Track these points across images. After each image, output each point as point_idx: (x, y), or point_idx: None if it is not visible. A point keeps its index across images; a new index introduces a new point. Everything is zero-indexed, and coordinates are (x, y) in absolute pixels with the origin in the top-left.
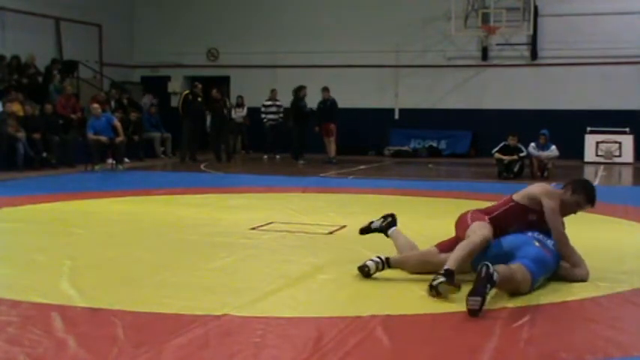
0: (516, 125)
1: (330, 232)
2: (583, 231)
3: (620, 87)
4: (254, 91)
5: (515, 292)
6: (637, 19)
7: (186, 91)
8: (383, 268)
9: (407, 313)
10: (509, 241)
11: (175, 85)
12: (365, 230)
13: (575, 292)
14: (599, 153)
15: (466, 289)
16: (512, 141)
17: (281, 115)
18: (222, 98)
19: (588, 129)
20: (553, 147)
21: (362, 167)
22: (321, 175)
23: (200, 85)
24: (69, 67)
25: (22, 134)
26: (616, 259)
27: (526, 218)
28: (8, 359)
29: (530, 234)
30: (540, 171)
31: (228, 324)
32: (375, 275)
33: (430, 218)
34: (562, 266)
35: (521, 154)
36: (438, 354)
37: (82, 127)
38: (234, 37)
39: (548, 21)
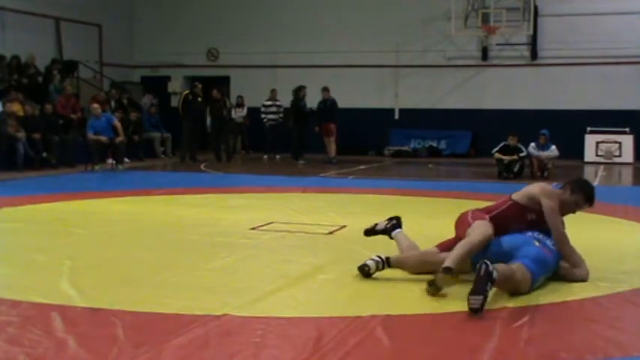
0: (516, 125)
1: (330, 232)
2: (583, 231)
3: (620, 87)
4: (254, 91)
5: (515, 292)
6: (637, 19)
7: (186, 91)
8: (383, 268)
9: (407, 313)
10: (509, 240)
11: (175, 85)
12: (369, 232)
13: (575, 292)
14: (599, 153)
15: (466, 288)
16: (512, 141)
17: (281, 115)
18: (222, 98)
19: (588, 129)
20: (553, 147)
21: (362, 167)
22: (321, 175)
23: (200, 85)
24: (69, 67)
25: (22, 134)
26: (616, 259)
27: (525, 218)
28: (8, 359)
29: (530, 234)
30: (540, 171)
31: (228, 324)
32: (375, 275)
33: (430, 218)
34: (562, 266)
35: (521, 154)
36: (438, 354)
37: (82, 127)
38: (234, 37)
39: (548, 21)
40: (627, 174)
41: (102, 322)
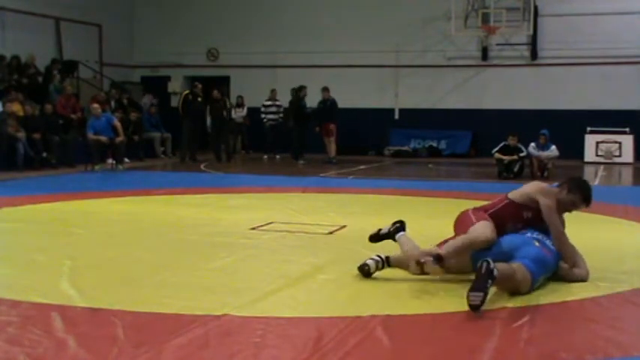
0: (516, 125)
1: (330, 232)
2: (583, 231)
3: (620, 87)
4: (254, 91)
5: (514, 292)
6: (637, 19)
7: (186, 91)
8: (383, 267)
9: (407, 313)
10: (508, 241)
11: (175, 85)
12: (374, 237)
13: (575, 292)
14: (599, 153)
15: (466, 288)
16: (512, 141)
17: (281, 115)
18: (222, 98)
19: (588, 129)
20: (553, 147)
21: (362, 167)
22: (321, 175)
23: (200, 85)
24: (69, 67)
25: (22, 134)
26: (616, 259)
27: (521, 216)
28: (8, 359)
29: (529, 234)
30: (540, 171)
31: (228, 324)
32: (375, 275)
33: (430, 218)
34: (561, 267)
35: (521, 154)
36: (438, 354)
37: (82, 127)
38: (234, 37)
39: (548, 21)
40: (627, 174)
41: (102, 322)
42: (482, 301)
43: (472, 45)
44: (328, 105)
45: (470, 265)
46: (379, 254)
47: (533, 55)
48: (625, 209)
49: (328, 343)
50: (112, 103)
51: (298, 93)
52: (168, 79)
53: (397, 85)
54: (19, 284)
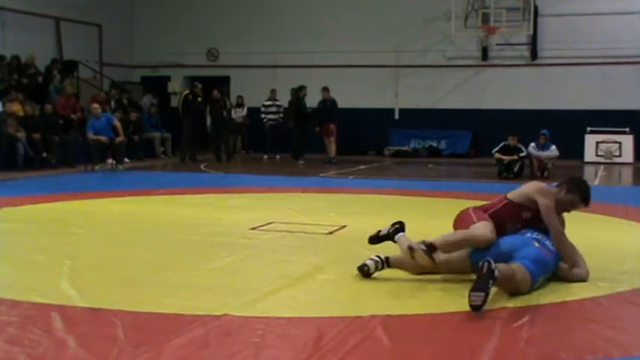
0: (516, 125)
1: (330, 232)
2: (583, 231)
3: (620, 87)
4: (254, 91)
5: (514, 292)
6: (637, 19)
7: (186, 91)
8: (382, 268)
9: (407, 313)
10: (508, 241)
11: (175, 85)
12: (374, 239)
13: (575, 292)
14: (599, 153)
15: (466, 288)
16: (512, 141)
17: (281, 115)
18: (222, 98)
19: (588, 129)
20: (553, 147)
21: (362, 167)
22: (321, 175)
23: (200, 85)
24: (69, 67)
25: (22, 134)
26: (616, 259)
27: (520, 216)
28: (8, 359)
29: (529, 235)
30: (540, 171)
31: (228, 324)
32: (375, 275)
33: (430, 218)
34: (561, 267)
35: (521, 154)
36: (438, 354)
37: (82, 127)
38: (234, 37)
39: (548, 21)
40: (627, 174)
41: (102, 322)
42: (484, 301)
43: (472, 45)
44: (328, 105)
45: (469, 265)
46: (379, 254)
47: (533, 55)
48: (625, 209)
49: (328, 343)
50: (112, 103)
51: (298, 93)
52: (168, 79)
53: (397, 85)
54: (19, 284)
